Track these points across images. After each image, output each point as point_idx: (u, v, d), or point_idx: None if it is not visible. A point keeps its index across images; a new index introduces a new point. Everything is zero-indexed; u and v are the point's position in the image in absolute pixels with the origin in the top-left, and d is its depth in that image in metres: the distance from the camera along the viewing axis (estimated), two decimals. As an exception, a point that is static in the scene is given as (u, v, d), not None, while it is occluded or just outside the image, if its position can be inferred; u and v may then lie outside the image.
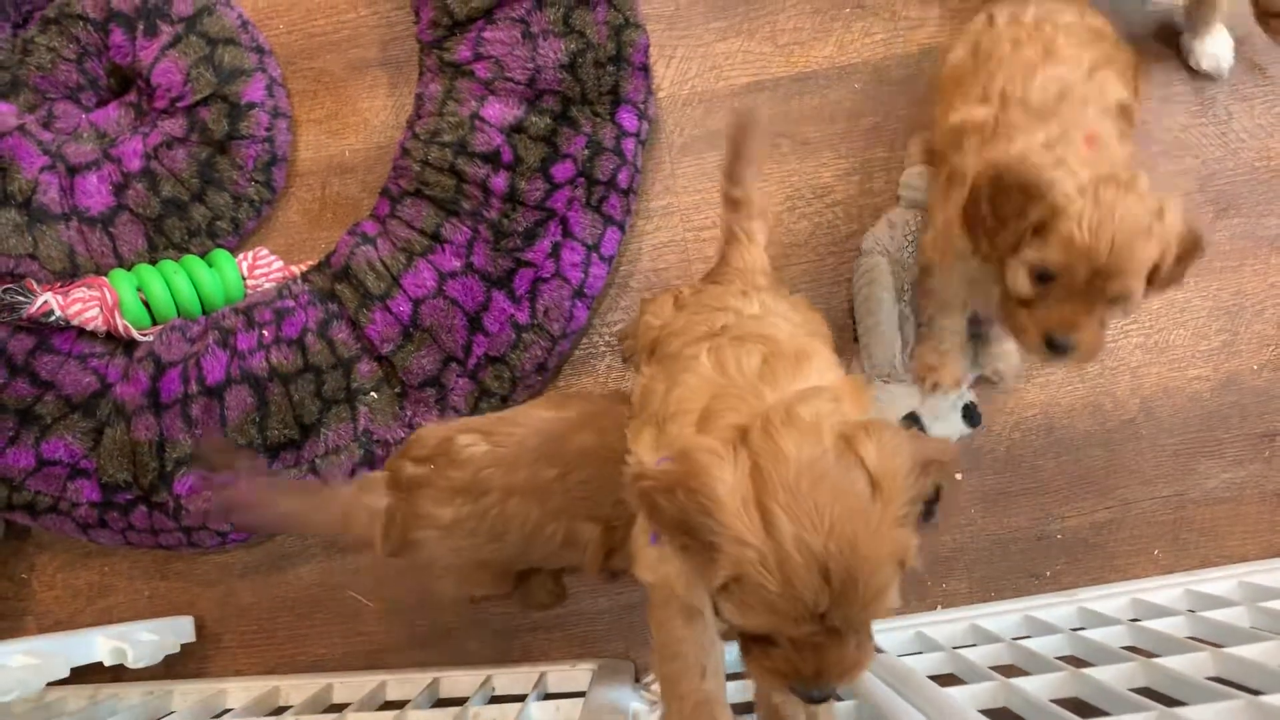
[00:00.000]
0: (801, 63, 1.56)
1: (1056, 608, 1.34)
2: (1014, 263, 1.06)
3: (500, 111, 1.35)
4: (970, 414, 1.40)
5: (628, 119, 1.39)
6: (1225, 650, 1.01)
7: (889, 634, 1.31)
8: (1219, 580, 1.36)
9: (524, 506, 1.03)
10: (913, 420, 1.38)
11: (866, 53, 1.56)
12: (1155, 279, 1.05)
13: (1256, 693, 0.88)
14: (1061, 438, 1.49)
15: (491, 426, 1.08)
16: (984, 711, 0.97)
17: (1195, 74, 1.53)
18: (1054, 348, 1.06)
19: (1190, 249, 1.05)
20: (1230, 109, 1.54)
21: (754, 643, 0.75)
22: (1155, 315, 1.52)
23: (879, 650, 1.23)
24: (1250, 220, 1.52)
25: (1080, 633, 1.19)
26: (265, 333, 1.35)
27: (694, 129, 1.55)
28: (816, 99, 1.55)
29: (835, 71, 1.56)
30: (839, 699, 1.08)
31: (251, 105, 1.45)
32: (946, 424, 1.40)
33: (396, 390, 1.37)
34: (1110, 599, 1.34)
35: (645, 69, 1.43)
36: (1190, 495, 1.49)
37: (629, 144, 1.39)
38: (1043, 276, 1.05)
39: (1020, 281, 1.06)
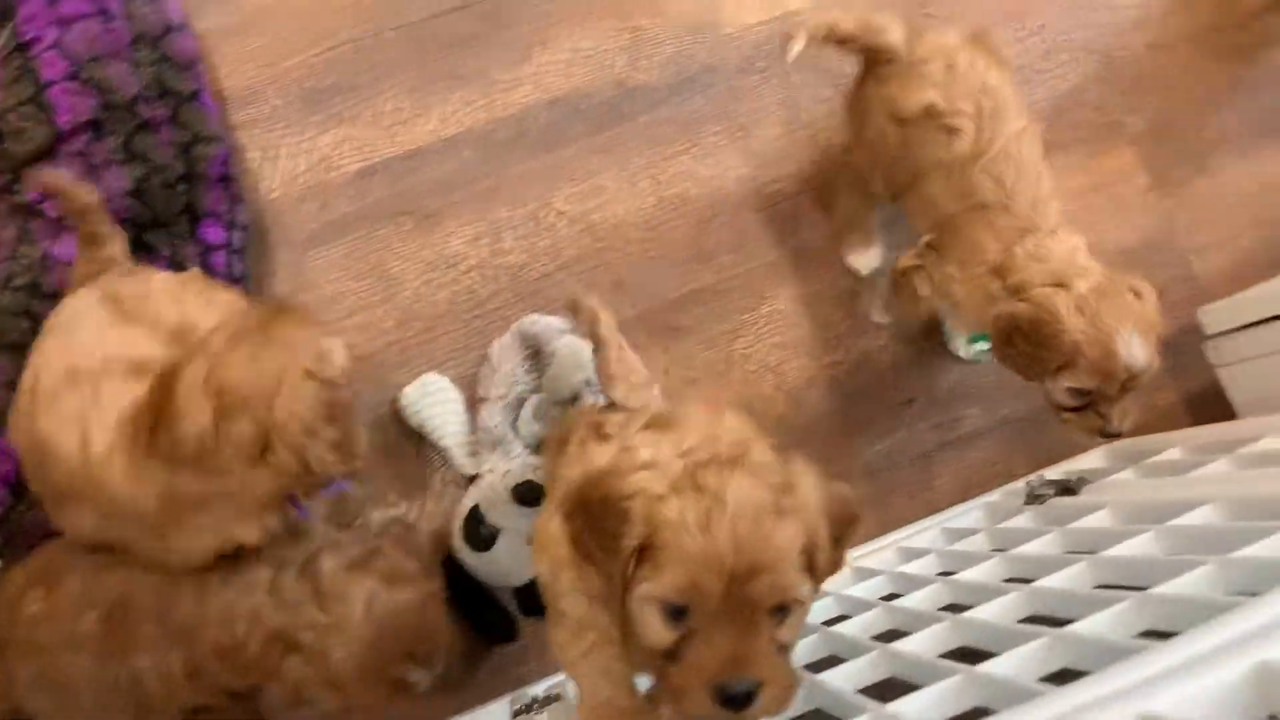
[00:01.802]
0: (408, 141, 1.59)
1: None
2: (635, 603, 0.81)
3: (73, 247, 1.32)
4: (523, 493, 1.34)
5: (212, 233, 1.39)
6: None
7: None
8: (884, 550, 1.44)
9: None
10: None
11: (469, 120, 1.60)
12: (815, 568, 0.84)
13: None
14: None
15: None
16: None
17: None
18: (731, 701, 0.77)
19: (845, 521, 0.87)
20: (815, 112, 1.64)
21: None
22: (785, 314, 1.60)
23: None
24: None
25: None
26: None
27: (314, 223, 1.55)
28: (431, 172, 1.58)
29: (443, 144, 1.59)
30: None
31: None
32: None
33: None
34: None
35: (227, 179, 1.42)
36: (849, 473, 1.57)
37: (218, 258, 1.38)
38: (675, 612, 0.80)
39: (650, 626, 0.81)
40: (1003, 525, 1.33)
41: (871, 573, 1.33)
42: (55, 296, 1.32)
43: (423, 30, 1.60)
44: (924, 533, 1.46)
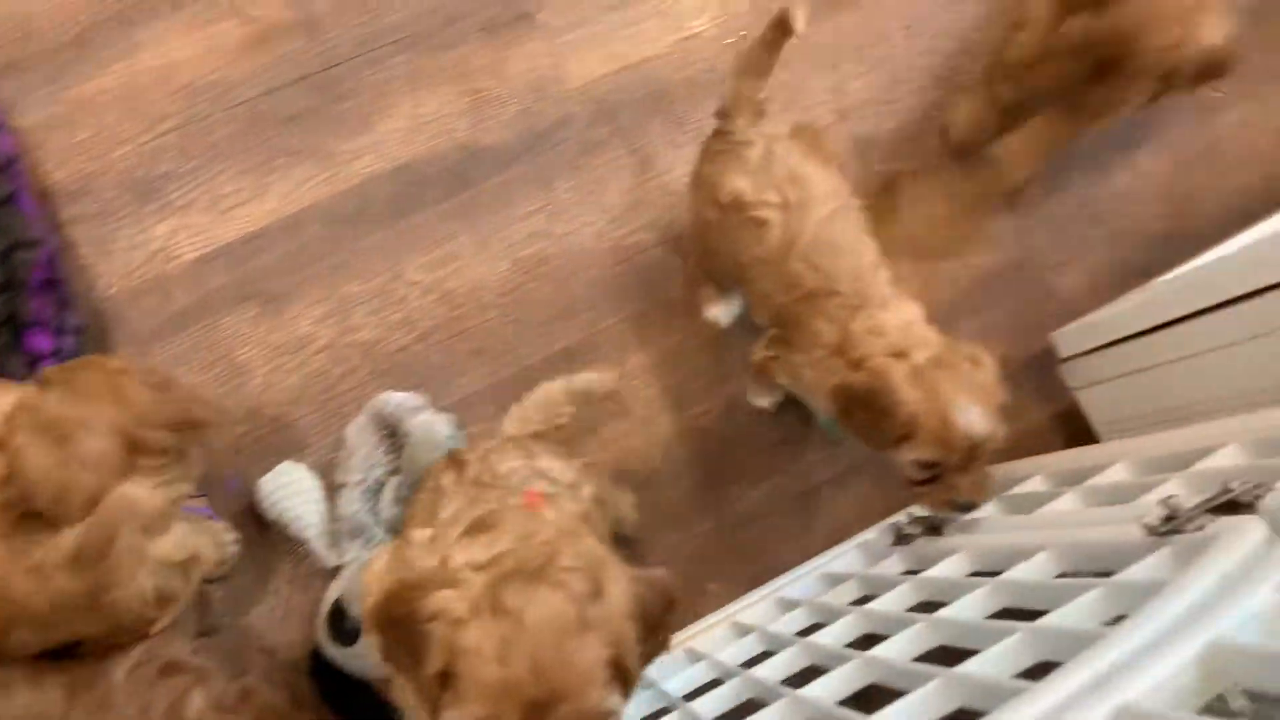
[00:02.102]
0: (249, 223, 1.54)
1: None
2: None
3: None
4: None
5: (39, 341, 1.33)
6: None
7: None
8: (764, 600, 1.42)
9: None
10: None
11: (311, 196, 1.56)
12: (625, 676, 0.81)
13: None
14: (593, 510, 1.52)
15: None
16: None
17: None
18: None
19: (660, 611, 0.86)
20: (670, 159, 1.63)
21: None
22: (653, 366, 1.57)
23: None
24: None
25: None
26: None
27: (155, 317, 1.50)
28: (275, 253, 1.54)
29: (285, 223, 1.55)
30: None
31: None
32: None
33: None
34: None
35: (53, 283, 1.37)
36: (728, 522, 1.55)
37: (49, 365, 1.32)
38: None
39: None
40: (871, 572, 1.31)
41: (746, 629, 1.32)
42: None
43: (256, 108, 1.56)
44: (802, 579, 1.44)
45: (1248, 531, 0.75)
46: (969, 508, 1.20)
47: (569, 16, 1.63)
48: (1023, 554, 1.02)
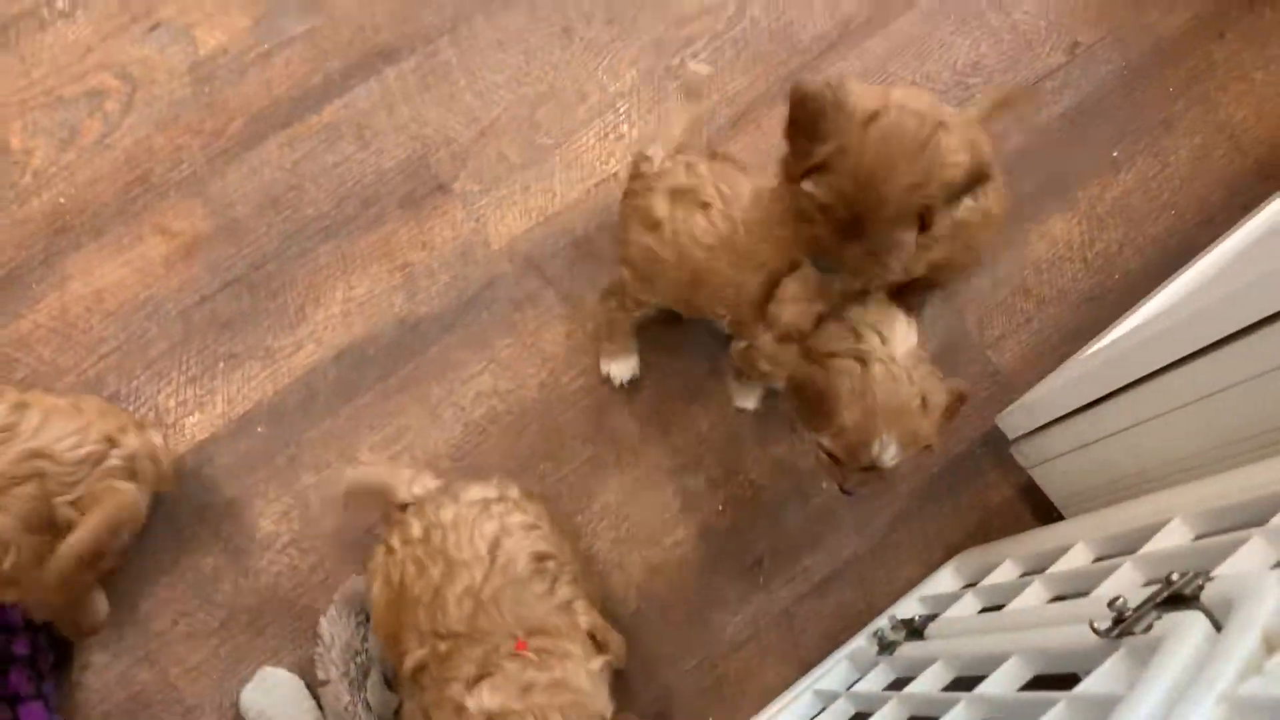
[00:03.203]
0: (199, 431, 1.55)
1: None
2: None
3: None
4: None
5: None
6: None
7: None
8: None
9: None
10: None
11: (256, 394, 1.57)
12: None
13: None
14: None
15: None
16: None
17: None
18: None
19: None
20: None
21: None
22: (616, 506, 1.58)
23: None
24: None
25: None
26: None
27: (116, 541, 1.50)
28: (226, 459, 1.55)
29: (235, 424, 1.56)
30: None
31: None
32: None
33: None
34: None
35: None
36: (717, 652, 1.55)
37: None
38: None
39: None
40: (858, 689, 1.31)
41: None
42: None
43: (190, 319, 1.58)
44: (797, 701, 1.43)
45: (1190, 630, 0.76)
46: (850, 494, 1.30)
47: (483, 181, 1.68)
48: (995, 660, 1.03)
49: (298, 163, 1.65)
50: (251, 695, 1.44)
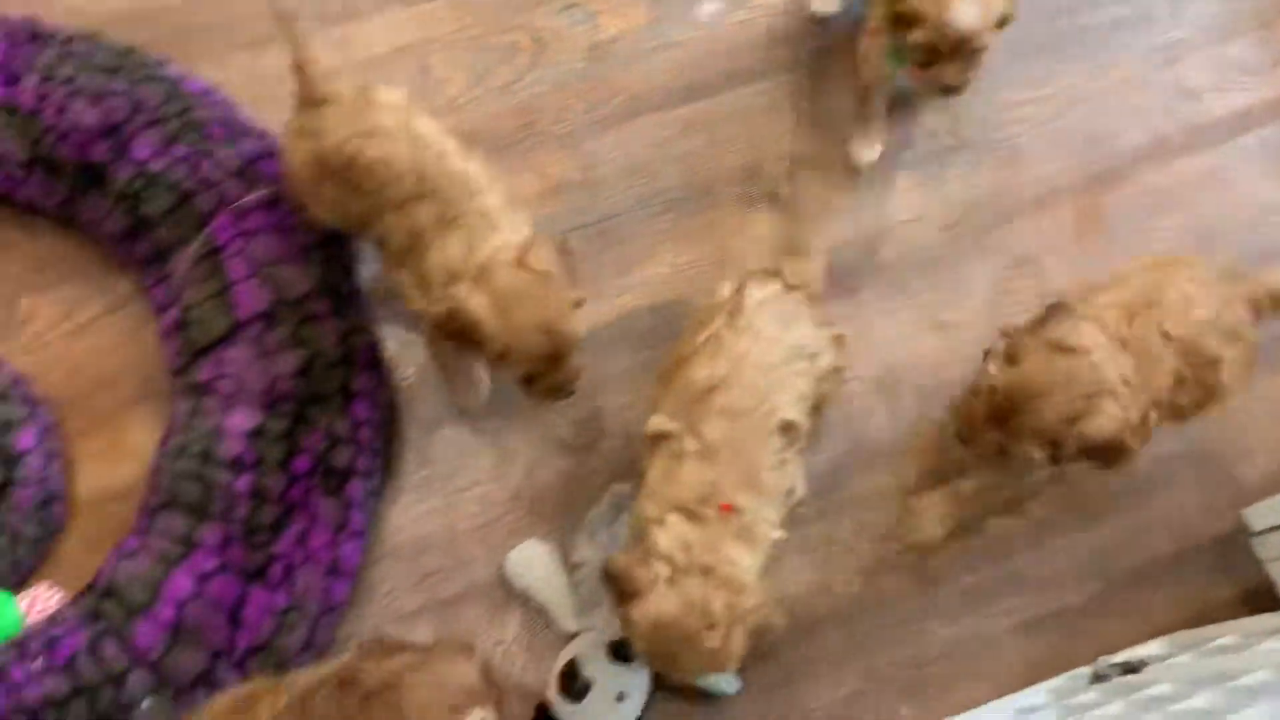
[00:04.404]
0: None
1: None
2: None
3: (241, 420, 1.53)
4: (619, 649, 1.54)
5: (362, 410, 1.59)
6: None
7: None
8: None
9: None
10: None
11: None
12: None
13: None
14: (800, 623, 1.64)
15: None
16: None
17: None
18: None
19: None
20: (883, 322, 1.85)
21: (523, 384, 1.47)
22: (866, 501, 1.74)
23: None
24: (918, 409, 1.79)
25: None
26: (37, 663, 1.43)
27: (439, 407, 1.75)
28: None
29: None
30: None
31: (24, 453, 1.58)
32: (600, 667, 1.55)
33: (169, 694, 1.45)
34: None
35: (376, 364, 1.65)
36: (925, 655, 1.67)
37: (365, 432, 1.58)
38: None
39: None
40: (1070, 701, 1.41)
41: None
42: (224, 463, 1.53)
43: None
44: (995, 715, 1.53)
45: None
46: (952, 90, 1.58)
47: (806, 195, 1.90)
48: (1245, 670, 1.12)
49: (659, 143, 1.92)
50: (516, 562, 1.64)
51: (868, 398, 1.80)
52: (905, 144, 1.95)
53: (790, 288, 1.50)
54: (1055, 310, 1.39)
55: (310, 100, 1.50)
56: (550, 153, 1.91)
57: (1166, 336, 1.40)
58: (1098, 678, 1.45)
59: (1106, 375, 1.32)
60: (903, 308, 1.85)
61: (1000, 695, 1.61)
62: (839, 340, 1.54)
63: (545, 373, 1.47)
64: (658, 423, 1.43)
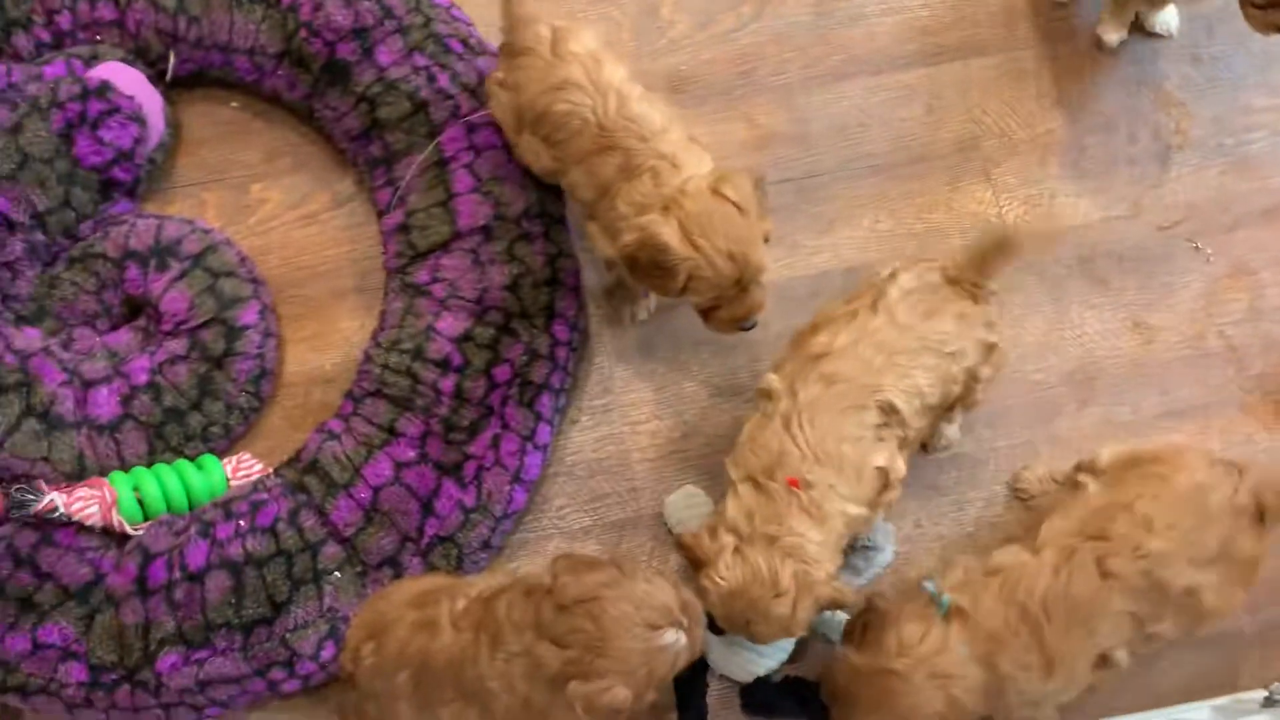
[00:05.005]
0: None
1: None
2: None
3: (452, 324, 1.61)
4: None
5: (561, 330, 1.65)
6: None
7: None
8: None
9: None
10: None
11: (772, 274, 1.82)
12: None
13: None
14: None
15: None
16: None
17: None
18: None
19: None
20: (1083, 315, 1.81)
21: (705, 313, 1.50)
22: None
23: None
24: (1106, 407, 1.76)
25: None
26: (242, 523, 1.54)
27: (629, 338, 1.79)
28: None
29: (744, 289, 1.82)
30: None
31: (246, 327, 1.69)
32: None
33: (358, 570, 1.55)
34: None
35: (577, 289, 1.70)
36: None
37: (561, 351, 1.64)
38: None
39: None
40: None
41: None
42: (432, 362, 1.60)
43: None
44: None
45: None
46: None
47: (1020, 178, 1.86)
48: None
49: (873, 106, 1.91)
50: (673, 503, 1.69)
51: (1057, 389, 1.77)
52: (1130, 139, 1.88)
53: (952, 281, 1.46)
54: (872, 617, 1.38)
55: (511, 50, 1.56)
56: (762, 103, 1.92)
57: (1107, 575, 1.32)
58: (1270, 702, 1.41)
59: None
60: (1106, 304, 1.81)
61: (1158, 707, 1.58)
62: (990, 349, 1.47)
63: (729, 301, 1.49)
64: (768, 380, 1.46)
